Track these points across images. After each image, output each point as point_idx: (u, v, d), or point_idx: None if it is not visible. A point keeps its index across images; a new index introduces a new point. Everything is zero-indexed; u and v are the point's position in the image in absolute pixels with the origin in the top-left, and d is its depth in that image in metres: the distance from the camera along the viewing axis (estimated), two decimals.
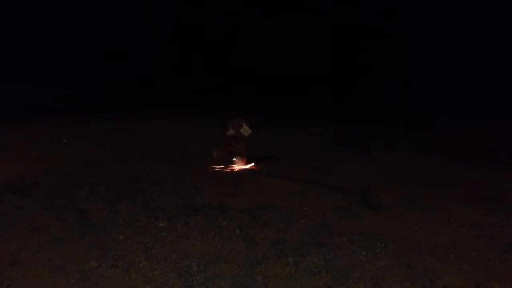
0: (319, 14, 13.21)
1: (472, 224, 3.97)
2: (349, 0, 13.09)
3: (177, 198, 4.53)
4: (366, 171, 5.65)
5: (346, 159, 6.29)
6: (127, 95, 11.19)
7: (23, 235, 3.60)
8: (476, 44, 12.40)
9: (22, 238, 3.55)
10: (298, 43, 13.28)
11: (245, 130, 5.57)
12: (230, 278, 3.02)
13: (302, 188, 4.94)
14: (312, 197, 4.63)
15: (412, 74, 12.54)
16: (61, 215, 4.01)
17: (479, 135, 8.00)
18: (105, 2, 13.23)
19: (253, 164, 5.62)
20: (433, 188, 4.98)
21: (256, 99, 11.41)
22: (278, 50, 13.27)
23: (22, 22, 12.46)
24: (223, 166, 5.61)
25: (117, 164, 5.72)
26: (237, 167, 5.59)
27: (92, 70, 12.61)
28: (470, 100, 10.97)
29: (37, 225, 3.79)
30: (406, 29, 12.74)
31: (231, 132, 5.60)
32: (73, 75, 12.38)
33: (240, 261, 3.26)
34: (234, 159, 5.63)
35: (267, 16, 13.48)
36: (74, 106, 10.41)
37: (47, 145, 6.68)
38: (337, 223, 3.98)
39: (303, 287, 2.94)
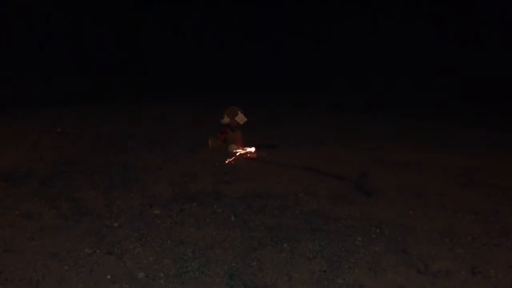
0: None
1: (467, 209, 3.97)
2: None
3: (172, 186, 4.51)
4: (361, 158, 5.65)
5: (341, 147, 6.29)
6: (121, 85, 11.10)
7: (16, 222, 3.57)
8: None
9: (15, 225, 3.52)
10: None
11: (240, 118, 5.54)
12: (225, 264, 3.01)
13: (297, 175, 4.92)
14: (308, 184, 4.62)
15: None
16: (55, 202, 3.98)
17: (477, 122, 8.01)
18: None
19: (253, 149, 5.55)
20: (429, 174, 4.99)
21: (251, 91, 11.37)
22: None
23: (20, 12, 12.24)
24: (223, 150, 5.54)
25: (112, 153, 5.69)
26: (236, 153, 5.51)
27: (85, 60, 12.47)
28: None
29: (31, 212, 3.76)
30: None
31: (226, 120, 5.58)
32: (65, 65, 12.23)
33: (235, 247, 3.24)
34: (230, 146, 5.60)
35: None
36: (67, 96, 10.33)
37: (40, 134, 6.63)
38: (332, 209, 3.98)
39: (299, 273, 2.93)
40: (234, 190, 4.40)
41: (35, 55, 11.97)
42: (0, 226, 3.50)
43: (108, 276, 2.84)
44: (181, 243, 3.29)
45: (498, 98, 10.16)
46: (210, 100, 9.08)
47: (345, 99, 10.54)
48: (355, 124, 7.99)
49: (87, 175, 4.76)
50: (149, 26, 13.38)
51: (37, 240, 3.29)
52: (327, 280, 2.85)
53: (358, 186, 4.58)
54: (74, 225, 3.56)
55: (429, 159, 5.63)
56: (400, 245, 3.31)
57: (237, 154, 5.47)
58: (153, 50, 13.54)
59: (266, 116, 8.27)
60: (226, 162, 5.28)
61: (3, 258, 3.02)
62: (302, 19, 13.21)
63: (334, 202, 4.13)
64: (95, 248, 3.18)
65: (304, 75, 12.44)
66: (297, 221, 3.72)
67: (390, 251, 3.23)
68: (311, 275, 2.91)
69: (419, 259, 3.11)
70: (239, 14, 13.36)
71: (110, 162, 5.24)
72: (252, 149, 5.51)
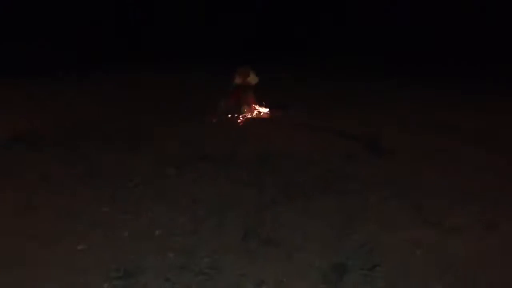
0: None
1: (483, 167, 3.94)
2: None
3: (186, 146, 4.52)
4: (377, 118, 5.60)
5: (357, 108, 6.22)
6: (128, 52, 10.94)
7: (32, 183, 3.61)
8: None
9: (31, 186, 3.56)
10: None
11: (252, 79, 5.50)
12: (239, 222, 3.04)
13: (311, 135, 4.91)
14: (321, 144, 4.61)
15: None
16: (70, 165, 4.02)
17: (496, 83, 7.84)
18: None
19: (267, 109, 5.53)
20: (446, 134, 4.94)
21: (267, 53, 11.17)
22: None
23: None
24: (236, 112, 5.53)
25: (125, 118, 5.68)
26: (249, 114, 5.51)
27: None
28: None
29: (46, 174, 3.80)
30: None
31: (238, 80, 5.54)
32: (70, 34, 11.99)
33: (250, 206, 3.27)
34: (242, 107, 5.57)
35: None
36: (75, 64, 10.19)
37: (49, 101, 6.60)
38: (346, 168, 3.98)
39: (312, 229, 2.95)
40: (248, 150, 4.41)
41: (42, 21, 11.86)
42: (17, 187, 3.55)
43: (126, 234, 2.89)
44: (196, 201, 3.33)
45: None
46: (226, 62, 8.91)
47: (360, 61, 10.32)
48: (370, 87, 7.87)
49: (101, 138, 4.78)
50: None
51: (53, 200, 3.34)
52: (342, 236, 2.88)
53: (372, 145, 4.56)
54: (90, 186, 3.60)
55: (447, 119, 5.55)
56: (413, 202, 3.31)
57: (249, 114, 5.45)
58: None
59: (280, 78, 8.18)
60: (239, 121, 5.28)
61: (23, 217, 3.09)
62: None
63: (348, 161, 4.13)
64: (111, 207, 3.23)
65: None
66: (311, 180, 3.73)
67: (403, 208, 3.24)
68: (326, 231, 2.93)
69: (433, 215, 3.12)
70: None
71: (123, 126, 5.24)
72: (265, 110, 5.49)
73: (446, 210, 3.19)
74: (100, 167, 3.98)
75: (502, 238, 2.84)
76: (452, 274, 2.51)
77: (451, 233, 2.91)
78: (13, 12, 11.05)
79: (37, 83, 7.60)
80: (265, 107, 5.57)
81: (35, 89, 7.24)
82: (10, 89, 7.15)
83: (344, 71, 9.10)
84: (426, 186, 3.59)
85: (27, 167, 3.96)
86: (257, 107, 5.61)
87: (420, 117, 5.66)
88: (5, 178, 3.70)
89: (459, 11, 11.14)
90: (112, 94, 7.07)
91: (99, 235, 2.86)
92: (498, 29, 10.35)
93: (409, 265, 2.59)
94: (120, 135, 4.86)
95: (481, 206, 3.24)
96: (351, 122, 5.40)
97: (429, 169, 3.94)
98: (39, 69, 8.62)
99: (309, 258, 2.63)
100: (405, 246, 2.76)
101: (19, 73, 8.28)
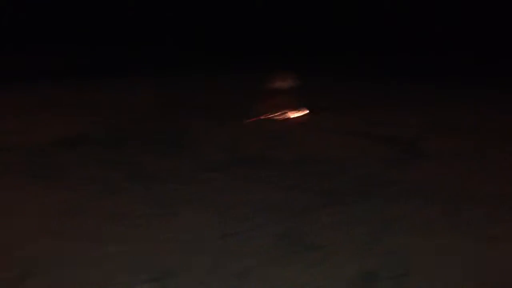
0: None
1: None
2: None
3: (223, 150, 4.56)
4: (416, 121, 5.50)
5: (395, 110, 6.11)
6: (163, 57, 11.09)
7: (72, 186, 3.71)
8: None
9: (72, 188, 3.66)
10: None
11: (288, 82, 5.51)
12: (275, 226, 3.04)
13: (346, 139, 4.87)
14: (357, 148, 4.57)
15: None
16: (109, 167, 4.12)
17: None
18: None
19: (303, 113, 5.52)
20: (486, 139, 4.80)
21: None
22: None
23: None
24: (271, 115, 5.53)
25: (162, 120, 5.77)
26: (284, 116, 5.50)
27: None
28: None
29: (86, 176, 3.90)
30: None
31: (273, 84, 5.55)
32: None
33: (284, 210, 3.27)
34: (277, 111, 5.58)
35: None
36: (110, 67, 10.37)
37: (92, 102, 6.76)
38: (385, 173, 3.93)
39: (351, 235, 2.92)
40: (283, 155, 4.41)
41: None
42: (58, 189, 3.66)
43: (161, 237, 2.94)
44: (231, 205, 3.35)
45: None
46: (262, 68, 8.88)
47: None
48: (401, 88, 7.71)
49: (142, 140, 4.89)
50: None
51: (94, 202, 3.43)
52: (379, 242, 2.84)
53: (410, 149, 4.48)
54: (129, 188, 3.68)
55: (487, 124, 5.39)
56: (454, 210, 3.23)
57: (285, 118, 5.46)
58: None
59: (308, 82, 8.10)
60: (274, 125, 5.28)
61: (68, 219, 3.18)
62: None
63: (385, 166, 4.07)
64: (149, 210, 3.29)
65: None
66: (348, 184, 3.71)
67: (443, 215, 3.17)
68: (364, 236, 2.90)
69: (472, 224, 3.03)
70: None
71: (161, 129, 5.34)
72: (301, 113, 5.50)
73: (487, 219, 3.10)
74: (140, 170, 4.07)
75: None
76: (487, 286, 2.44)
77: (489, 243, 2.82)
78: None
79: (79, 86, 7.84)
80: (301, 110, 5.55)
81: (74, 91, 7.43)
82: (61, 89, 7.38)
83: (382, 72, 8.95)
84: (469, 193, 3.49)
85: (67, 169, 4.08)
86: (292, 110, 5.60)
87: (460, 120, 5.51)
88: (48, 181, 3.82)
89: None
90: (147, 97, 7.18)
91: (134, 238, 2.92)
92: None
93: (441, 275, 2.52)
94: (159, 138, 4.95)
95: None
96: (389, 125, 5.32)
97: (471, 175, 3.84)
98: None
99: (341, 265, 2.60)
100: (439, 255, 2.69)
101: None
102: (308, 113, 5.62)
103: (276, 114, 5.58)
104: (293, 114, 5.58)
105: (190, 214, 3.23)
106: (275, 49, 10.90)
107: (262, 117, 5.58)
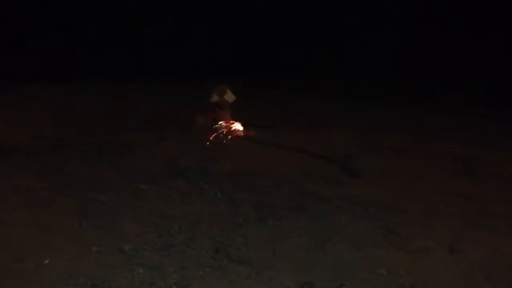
0: None
1: (451, 192, 4.04)
2: None
3: (161, 162, 4.53)
4: (353, 141, 5.67)
5: (333, 129, 6.28)
6: (118, 65, 10.90)
7: (3, 195, 3.58)
8: None
9: (2, 197, 3.53)
10: None
11: (229, 96, 5.55)
12: (210, 239, 3.05)
13: (286, 155, 4.97)
14: (295, 164, 4.67)
15: None
16: (44, 176, 3.99)
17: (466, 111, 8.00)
18: None
19: (240, 127, 5.55)
20: (420, 159, 5.03)
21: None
22: None
23: None
24: (219, 130, 5.52)
25: (105, 131, 5.64)
26: (225, 131, 5.50)
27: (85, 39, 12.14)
28: None
29: (18, 185, 3.76)
30: None
31: (215, 98, 5.58)
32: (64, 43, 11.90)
33: (220, 223, 3.29)
34: (218, 124, 5.59)
35: None
36: (63, 74, 10.09)
37: (35, 111, 6.55)
38: (318, 188, 4.03)
39: (283, 249, 2.98)
40: (222, 168, 4.43)
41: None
42: None
43: (95, 248, 2.87)
44: (167, 217, 3.33)
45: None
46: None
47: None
48: (347, 110, 7.95)
49: (78, 151, 4.76)
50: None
51: (25, 212, 3.30)
52: (310, 255, 2.91)
53: (346, 167, 4.63)
54: (63, 198, 3.58)
55: (420, 145, 5.65)
56: (383, 224, 3.37)
57: (223, 130, 5.46)
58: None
59: (260, 98, 8.21)
60: (210, 138, 5.28)
61: None
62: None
63: (321, 182, 4.18)
64: (83, 221, 3.21)
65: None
66: (282, 199, 3.77)
67: (374, 229, 3.30)
68: (295, 250, 2.96)
69: (401, 237, 3.18)
70: None
71: (102, 140, 5.22)
72: (239, 127, 5.52)
73: (414, 232, 3.25)
74: (73, 180, 3.96)
75: (466, 261, 2.90)
76: None
77: (418, 255, 2.97)
78: None
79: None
80: (242, 125, 5.59)
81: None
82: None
83: (325, 94, 9.19)
84: (397, 208, 3.65)
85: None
86: (233, 124, 5.63)
87: (396, 142, 5.75)
88: None
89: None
90: (92, 107, 7.03)
91: (67, 249, 2.84)
92: None
93: (374, 286, 2.62)
94: (96, 149, 4.84)
95: (449, 230, 3.32)
96: (326, 143, 5.47)
97: (401, 192, 4.01)
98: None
99: (277, 276, 2.65)
100: (372, 267, 2.80)
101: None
102: (248, 129, 5.67)
103: (222, 129, 5.58)
104: (234, 129, 5.61)
105: (122, 226, 3.17)
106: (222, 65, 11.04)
107: (202, 131, 5.56)
